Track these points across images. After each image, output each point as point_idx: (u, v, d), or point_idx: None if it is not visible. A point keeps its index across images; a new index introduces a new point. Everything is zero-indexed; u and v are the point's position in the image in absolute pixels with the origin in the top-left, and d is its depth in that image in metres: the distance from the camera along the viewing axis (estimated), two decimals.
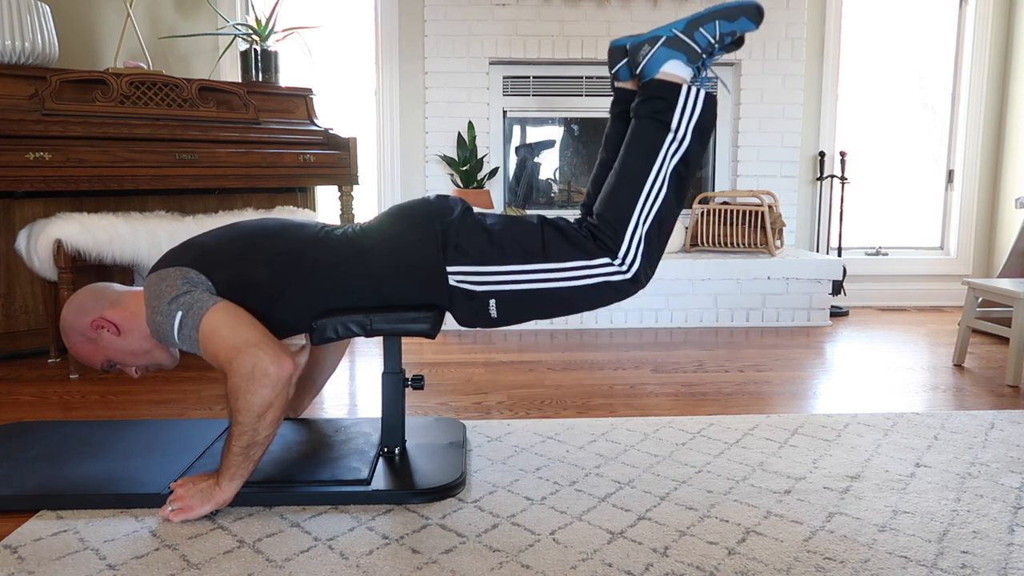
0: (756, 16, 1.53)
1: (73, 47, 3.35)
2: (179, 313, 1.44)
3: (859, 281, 4.07)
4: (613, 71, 1.66)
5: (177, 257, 1.54)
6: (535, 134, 3.97)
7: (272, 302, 1.54)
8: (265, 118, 3.15)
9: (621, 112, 1.68)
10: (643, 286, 1.59)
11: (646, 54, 1.55)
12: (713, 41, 1.54)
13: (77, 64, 3.34)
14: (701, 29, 1.53)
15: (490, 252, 1.54)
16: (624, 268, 1.55)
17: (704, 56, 1.56)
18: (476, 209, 1.71)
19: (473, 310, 1.57)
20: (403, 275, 1.55)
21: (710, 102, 1.55)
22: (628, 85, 1.66)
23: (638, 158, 1.54)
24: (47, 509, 1.52)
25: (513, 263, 1.54)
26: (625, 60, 1.63)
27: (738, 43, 1.56)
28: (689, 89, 1.53)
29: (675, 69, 1.55)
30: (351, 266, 1.55)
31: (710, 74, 1.60)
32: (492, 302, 1.55)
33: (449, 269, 1.54)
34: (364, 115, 3.91)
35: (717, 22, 1.53)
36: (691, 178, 1.59)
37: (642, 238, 1.55)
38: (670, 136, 1.54)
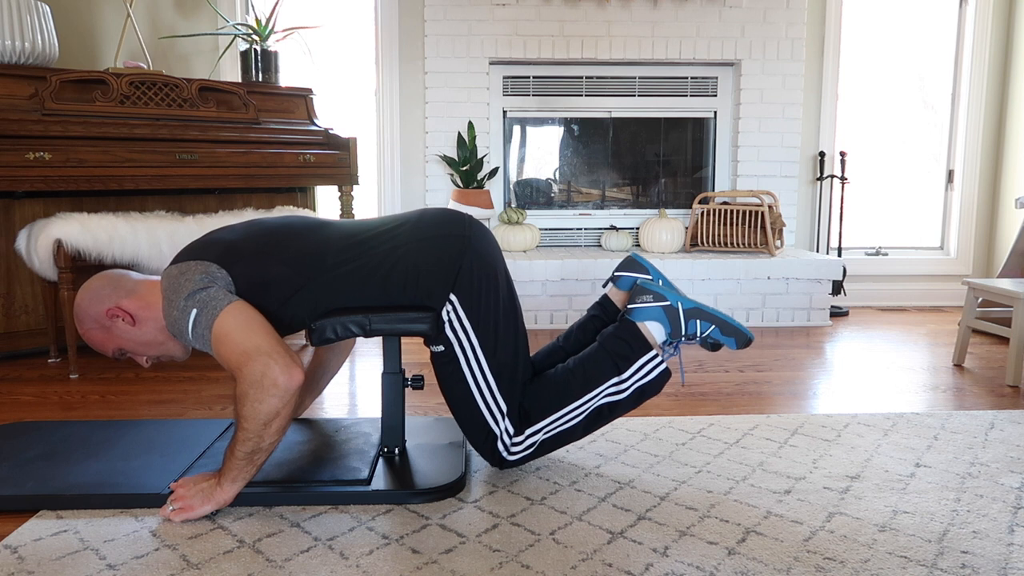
0: (744, 344, 1.67)
1: (73, 47, 3.35)
2: (194, 311, 1.43)
3: (859, 281, 4.08)
4: (616, 275, 1.79)
5: (199, 251, 1.54)
6: (535, 134, 3.97)
7: (288, 299, 1.53)
8: (265, 118, 3.15)
9: (596, 317, 1.80)
10: (501, 469, 1.70)
11: (644, 301, 1.67)
12: (699, 336, 1.66)
13: (77, 64, 3.34)
14: (698, 320, 1.65)
15: (482, 315, 1.58)
16: (511, 449, 1.63)
17: (683, 339, 1.67)
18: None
19: (431, 338, 1.60)
20: (415, 279, 1.55)
21: (662, 377, 1.66)
22: (617, 298, 1.79)
23: (579, 379, 1.63)
24: (47, 509, 1.52)
25: (483, 346, 1.58)
26: (634, 278, 1.76)
27: (714, 348, 1.68)
28: (654, 356, 1.64)
29: (654, 331, 1.66)
30: (365, 265, 1.55)
31: (675, 353, 1.71)
32: (440, 348, 1.59)
33: (451, 296, 1.56)
34: (364, 115, 3.91)
35: (714, 327, 1.65)
36: (606, 423, 1.68)
37: (536, 444, 1.65)
38: (615, 379, 1.63)
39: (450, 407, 1.64)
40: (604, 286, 1.82)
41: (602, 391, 1.63)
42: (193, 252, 1.54)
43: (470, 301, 1.56)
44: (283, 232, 1.60)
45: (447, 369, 1.60)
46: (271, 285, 1.52)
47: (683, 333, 1.65)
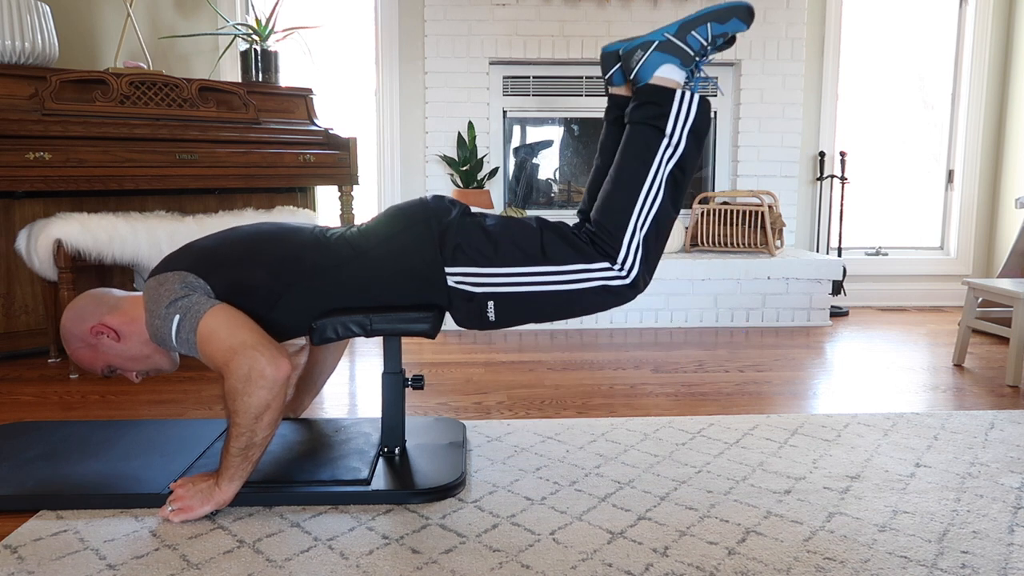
0: (747, 16, 1.54)
1: (73, 47, 3.35)
2: (177, 317, 1.44)
3: (859, 281, 4.07)
4: (607, 76, 1.67)
5: (176, 261, 1.55)
6: (535, 134, 3.97)
7: (271, 305, 1.54)
8: (265, 118, 3.15)
9: (616, 118, 1.69)
10: (641, 291, 1.60)
11: (639, 59, 1.57)
12: (705, 43, 1.56)
13: (77, 64, 3.34)
14: (693, 32, 1.55)
15: (489, 253, 1.54)
16: (623, 273, 1.56)
17: (697, 59, 1.57)
18: (475, 209, 1.72)
19: (471, 311, 1.57)
20: (402, 276, 1.55)
21: (704, 106, 1.57)
22: (622, 91, 1.68)
23: (634, 164, 1.56)
24: (47, 509, 1.52)
25: (512, 265, 1.54)
26: (618, 65, 1.64)
27: (729, 43, 1.58)
28: (683, 94, 1.55)
29: (669, 73, 1.56)
30: (350, 268, 1.55)
31: (703, 76, 1.62)
32: (491, 304, 1.56)
33: (448, 270, 1.55)
34: (364, 115, 3.91)
35: (709, 24, 1.55)
36: (687, 182, 1.60)
37: (640, 243, 1.56)
38: (665, 141, 1.55)
39: (555, 319, 1.61)
40: (606, 92, 1.72)
41: (660, 159, 1.55)
42: (170, 263, 1.55)
43: (469, 256, 1.54)
44: (259, 238, 1.60)
45: (516, 307, 1.57)
46: (251, 290, 1.53)
47: (692, 54, 1.56)
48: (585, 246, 1.56)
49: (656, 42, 1.56)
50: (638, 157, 1.55)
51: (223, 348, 1.41)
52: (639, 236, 1.56)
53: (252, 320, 1.48)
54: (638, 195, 1.55)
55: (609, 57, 1.66)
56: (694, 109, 1.55)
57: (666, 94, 1.55)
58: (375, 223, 1.62)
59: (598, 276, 1.56)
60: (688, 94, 1.55)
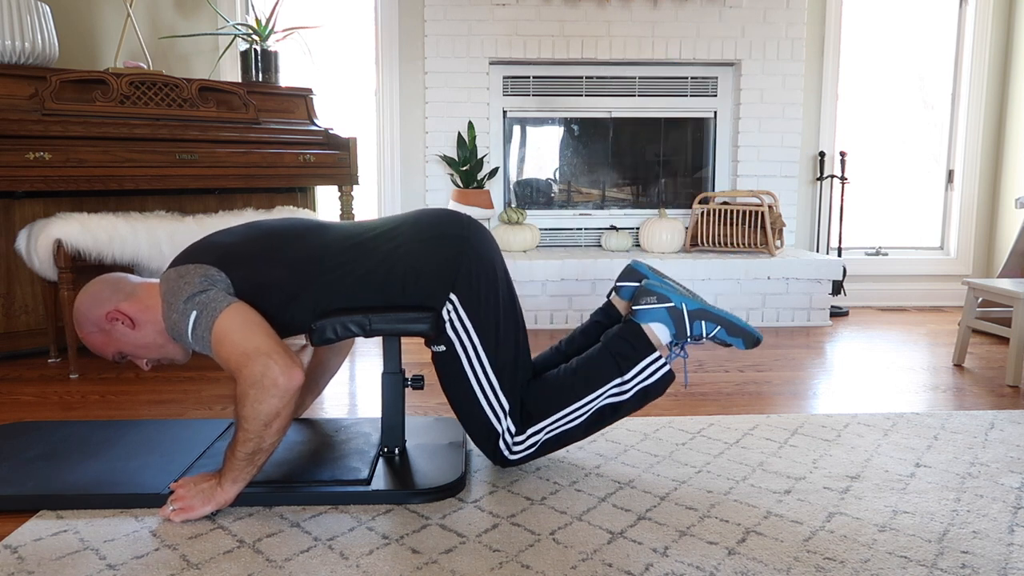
0: (752, 344, 1.65)
1: (73, 47, 3.35)
2: (194, 313, 1.43)
3: (859, 281, 4.08)
4: (619, 286, 1.77)
5: (198, 254, 1.54)
6: (535, 135, 3.97)
7: (287, 302, 1.53)
8: (265, 118, 3.15)
9: (599, 323, 1.78)
10: (500, 466, 1.70)
11: (647, 304, 1.65)
12: (705, 336, 1.65)
13: (77, 64, 3.34)
14: (703, 321, 1.64)
15: (486, 320, 1.58)
16: (511, 447, 1.63)
17: (689, 340, 1.65)
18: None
19: (432, 338, 1.60)
20: (415, 280, 1.55)
21: (666, 379, 1.65)
22: (620, 306, 1.77)
23: (581, 379, 1.63)
24: (47, 509, 1.52)
25: (484, 344, 1.58)
26: (635, 286, 1.73)
27: (723, 344, 1.67)
28: (658, 358, 1.63)
29: (659, 332, 1.65)
30: (364, 266, 1.55)
31: (683, 353, 1.70)
32: (441, 347, 1.59)
33: (451, 295, 1.55)
34: (364, 115, 3.91)
35: (719, 327, 1.64)
36: (610, 423, 1.67)
37: (538, 444, 1.64)
38: (618, 380, 1.62)
39: (452, 406, 1.64)
40: (608, 296, 1.82)
41: (604, 392, 1.62)
42: (191, 255, 1.54)
43: (470, 300, 1.56)
44: (282, 235, 1.60)
45: (449, 368, 1.60)
46: (271, 288, 1.52)
47: (688, 335, 1.64)
48: (519, 405, 1.62)
49: (672, 304, 1.64)
50: (588, 376, 1.63)
51: (237, 352, 1.41)
52: (541, 437, 1.63)
53: (267, 323, 1.47)
54: (567, 405, 1.62)
55: (632, 274, 1.76)
56: (656, 376, 1.63)
57: (645, 347, 1.63)
58: (413, 223, 1.62)
59: (501, 427, 1.61)
60: (661, 361, 1.63)
